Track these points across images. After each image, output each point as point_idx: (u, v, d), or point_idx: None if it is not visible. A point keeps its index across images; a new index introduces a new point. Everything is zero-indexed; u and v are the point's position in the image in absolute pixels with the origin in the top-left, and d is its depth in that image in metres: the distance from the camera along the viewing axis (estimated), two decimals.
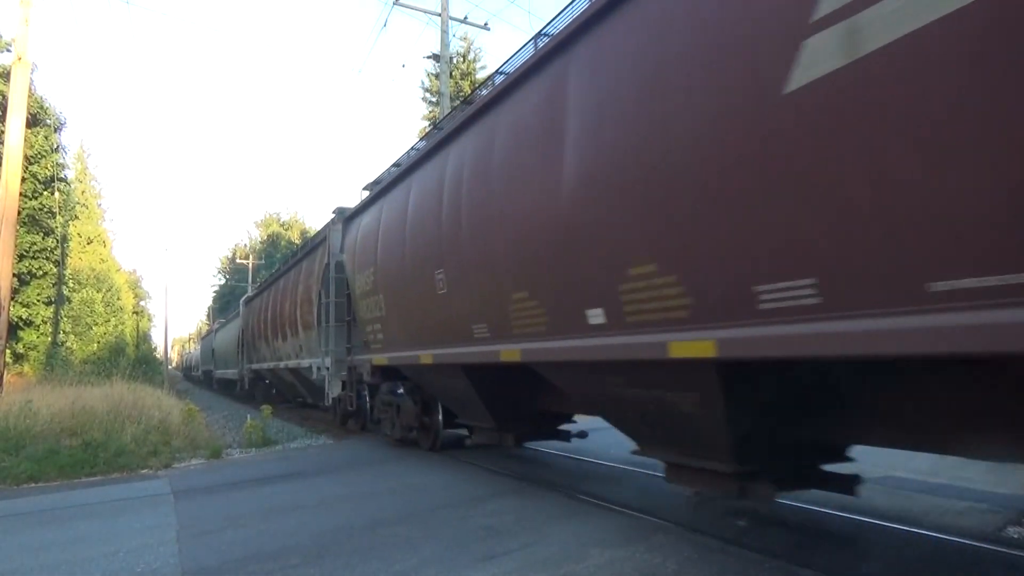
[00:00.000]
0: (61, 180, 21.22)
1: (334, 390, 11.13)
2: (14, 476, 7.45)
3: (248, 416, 13.06)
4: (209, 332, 40.22)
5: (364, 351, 9.18)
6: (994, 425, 2.90)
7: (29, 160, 17.93)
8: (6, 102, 13.32)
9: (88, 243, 32.49)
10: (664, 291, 3.48)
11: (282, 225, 55.33)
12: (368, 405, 10.45)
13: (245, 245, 56.70)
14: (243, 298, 23.01)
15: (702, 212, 3.16)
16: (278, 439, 10.94)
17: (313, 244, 13.17)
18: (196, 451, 9.47)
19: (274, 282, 17.16)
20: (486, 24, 16.47)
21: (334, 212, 11.39)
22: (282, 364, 15.25)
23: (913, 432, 3.39)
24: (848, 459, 4.12)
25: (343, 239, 10.22)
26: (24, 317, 20.03)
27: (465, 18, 16.33)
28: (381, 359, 8.39)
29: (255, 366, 19.43)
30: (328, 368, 11.04)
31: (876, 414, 3.50)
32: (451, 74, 22.33)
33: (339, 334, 10.69)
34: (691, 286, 3.32)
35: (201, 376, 42.38)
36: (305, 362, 12.81)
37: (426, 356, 6.86)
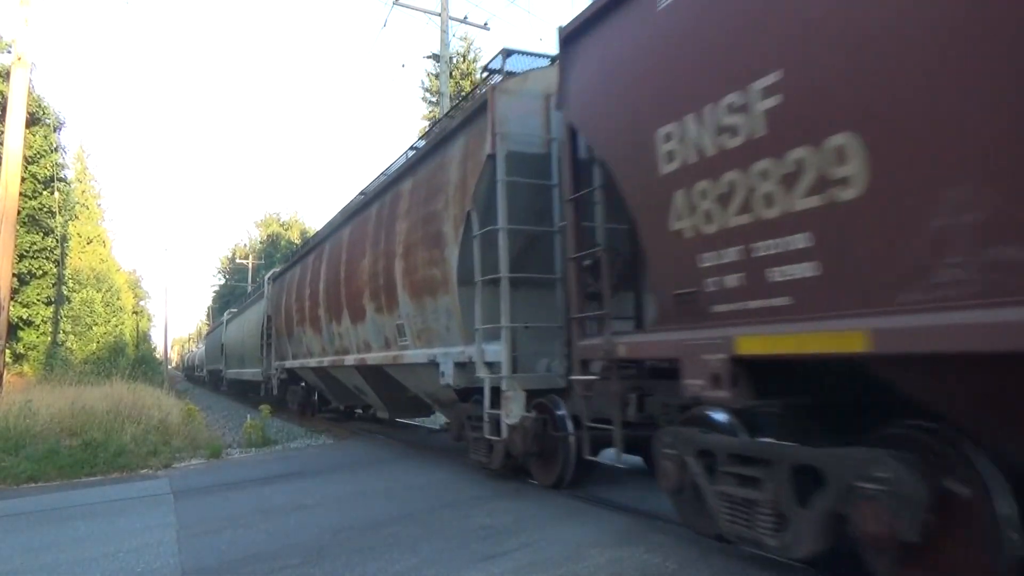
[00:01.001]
0: (61, 180, 21.20)
1: (512, 411, 5.64)
2: (14, 476, 7.45)
3: (248, 416, 13.05)
4: (216, 325, 33.93)
5: (704, 320, 3.67)
6: None
7: (28, 160, 17.91)
8: (5, 102, 13.31)
9: (88, 243, 32.50)
10: None
11: (282, 225, 55.35)
12: (582, 444, 5.24)
13: (245, 245, 56.77)
14: (268, 274, 17.81)
15: None
16: (278, 439, 10.94)
17: (446, 131, 6.99)
18: (196, 451, 9.47)
19: (331, 235, 11.29)
20: (486, 24, 16.47)
21: (499, 54, 6.42)
22: (350, 359, 9.82)
23: None
24: None
25: (602, 59, 4.60)
26: (24, 317, 20.00)
27: (465, 18, 16.34)
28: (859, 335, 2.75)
29: (291, 363, 14.01)
30: (495, 365, 5.86)
31: None
32: (451, 74, 22.32)
33: (530, 298, 5.87)
34: None
35: (206, 377, 36.91)
36: (412, 355, 7.58)
37: None
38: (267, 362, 16.52)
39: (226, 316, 27.58)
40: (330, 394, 13.47)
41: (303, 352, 12.91)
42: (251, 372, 19.57)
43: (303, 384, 15.23)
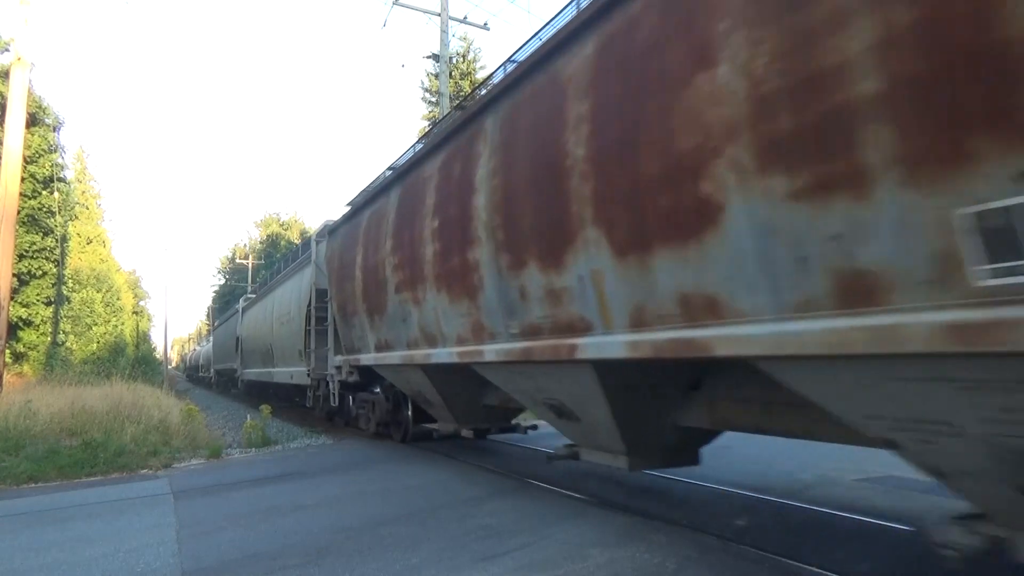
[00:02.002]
0: (60, 180, 21.19)
1: None
2: (14, 476, 7.45)
3: (248, 416, 13.05)
4: (229, 315, 27.84)
5: None
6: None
7: (27, 160, 17.92)
8: (5, 102, 13.32)
9: (88, 243, 32.52)
10: None
11: (282, 225, 55.36)
12: None
13: (245, 245, 56.75)
14: (319, 229, 11.85)
15: None
16: (278, 439, 10.94)
17: None
18: (196, 451, 9.47)
19: (507, 94, 5.18)
20: (486, 24, 16.46)
21: None
22: (607, 343, 3.99)
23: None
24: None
25: None
26: (24, 317, 20.01)
27: (465, 18, 16.33)
28: None
29: (373, 358, 8.65)
30: None
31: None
32: (451, 74, 22.33)
33: None
34: None
35: (213, 378, 32.34)
36: None
37: None
38: (313, 358, 11.55)
39: (242, 303, 22.39)
40: (446, 408, 7.75)
41: (405, 339, 7.37)
42: (285, 372, 14.26)
43: (377, 391, 10.13)
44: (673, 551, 3.95)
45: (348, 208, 9.79)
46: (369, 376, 9.66)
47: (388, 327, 7.90)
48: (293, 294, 13.66)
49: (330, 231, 10.69)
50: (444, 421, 8.25)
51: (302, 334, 12.36)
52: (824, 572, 3.55)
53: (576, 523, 4.71)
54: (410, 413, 9.40)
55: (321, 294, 11.15)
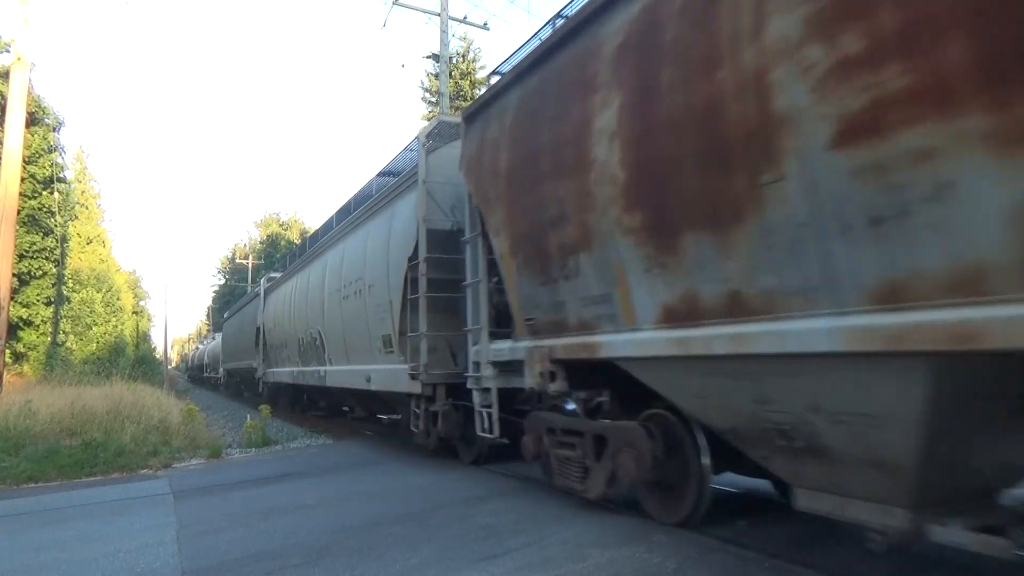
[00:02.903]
0: (60, 180, 21.19)
1: None
2: (14, 476, 7.45)
3: (248, 416, 13.04)
4: (247, 300, 22.23)
5: None
6: None
7: (27, 160, 17.90)
8: (5, 102, 13.31)
9: (88, 243, 32.53)
10: None
11: (282, 225, 55.39)
12: None
13: (245, 245, 56.78)
14: (431, 129, 7.39)
15: None
16: (278, 439, 10.94)
17: None
18: (196, 451, 9.47)
19: None
20: (485, 24, 16.48)
21: None
22: None
23: None
24: None
25: None
26: (24, 317, 20.01)
27: (465, 18, 16.35)
28: None
29: (658, 343, 3.86)
30: None
31: None
32: (451, 74, 22.33)
33: None
34: None
35: (223, 379, 28.11)
36: None
37: None
38: (424, 349, 7.00)
39: (264, 284, 17.71)
40: (920, 469, 2.90)
41: (867, 280, 2.63)
42: (353, 373, 9.71)
43: (572, 407, 5.38)
44: (673, 551, 3.95)
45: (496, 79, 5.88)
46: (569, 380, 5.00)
47: (758, 260, 3.13)
48: (373, 249, 8.80)
49: (468, 116, 6.23)
50: (868, 498, 3.31)
51: (393, 310, 7.85)
52: (824, 572, 3.54)
53: (576, 523, 4.71)
54: (708, 462, 4.28)
55: (440, 238, 7.09)
